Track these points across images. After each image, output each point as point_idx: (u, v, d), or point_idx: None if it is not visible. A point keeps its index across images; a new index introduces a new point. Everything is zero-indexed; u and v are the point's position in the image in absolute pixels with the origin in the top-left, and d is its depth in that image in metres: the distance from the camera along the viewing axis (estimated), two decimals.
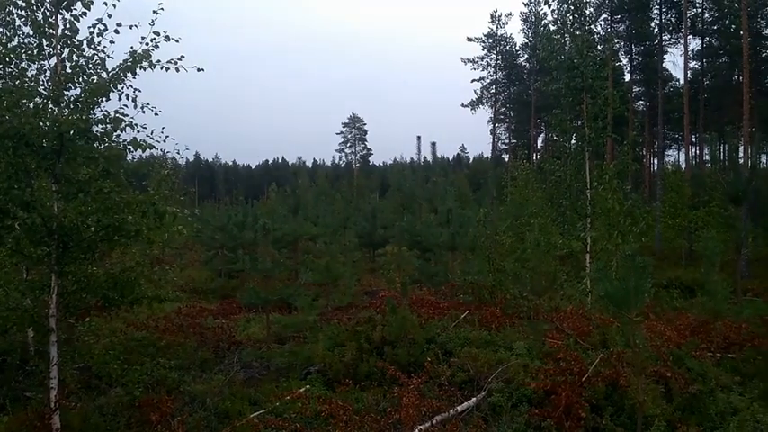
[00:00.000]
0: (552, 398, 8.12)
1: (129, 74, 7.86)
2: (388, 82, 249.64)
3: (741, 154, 28.58)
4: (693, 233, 29.50)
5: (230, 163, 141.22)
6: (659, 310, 13.42)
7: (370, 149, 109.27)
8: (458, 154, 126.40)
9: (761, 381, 9.11)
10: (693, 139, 53.50)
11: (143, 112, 7.89)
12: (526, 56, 66.88)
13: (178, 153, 8.40)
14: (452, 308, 13.43)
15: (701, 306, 12.61)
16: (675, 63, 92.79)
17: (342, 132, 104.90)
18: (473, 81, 67.49)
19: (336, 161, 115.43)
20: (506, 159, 73.35)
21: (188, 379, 10.48)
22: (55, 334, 7.53)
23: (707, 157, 49.01)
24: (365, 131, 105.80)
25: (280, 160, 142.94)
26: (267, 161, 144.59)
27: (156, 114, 7.91)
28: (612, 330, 10.68)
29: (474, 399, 8.76)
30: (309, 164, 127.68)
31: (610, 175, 14.90)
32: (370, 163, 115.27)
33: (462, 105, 68.20)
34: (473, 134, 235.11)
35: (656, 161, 57.89)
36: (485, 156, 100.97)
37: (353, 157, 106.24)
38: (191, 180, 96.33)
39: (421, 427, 7.72)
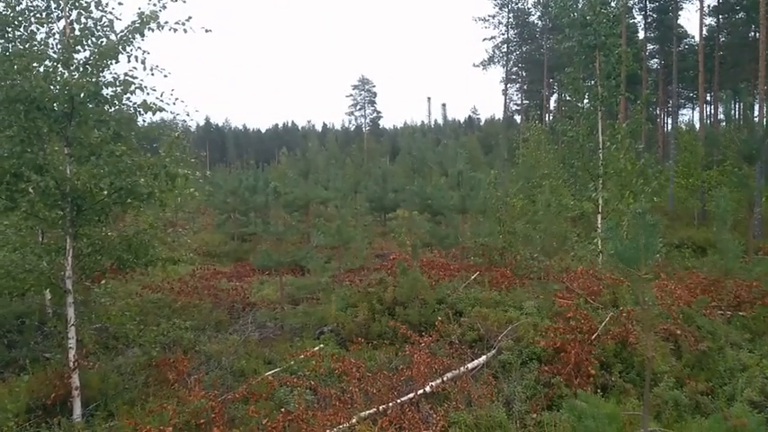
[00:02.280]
0: (562, 355, 8.21)
1: (138, 35, 7.85)
2: (398, 42, 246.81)
3: (756, 112, 28.20)
4: (707, 193, 29.29)
5: (240, 127, 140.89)
6: (670, 270, 13.44)
7: (380, 112, 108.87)
8: (469, 116, 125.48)
9: None
10: (708, 98, 52.73)
11: (152, 74, 7.89)
12: (538, 13, 65.67)
13: (188, 115, 8.40)
14: (463, 269, 13.51)
15: (712, 265, 12.59)
16: (690, 20, 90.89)
17: (351, 95, 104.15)
18: (484, 40, 66.57)
19: (346, 124, 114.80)
20: (518, 120, 72.75)
21: (203, 339, 10.68)
22: (72, 295, 7.67)
23: (721, 116, 48.39)
24: (375, 94, 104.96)
25: (290, 124, 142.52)
26: (277, 125, 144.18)
27: (165, 76, 7.90)
28: (623, 289, 10.73)
29: (484, 357, 8.88)
30: (319, 127, 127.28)
31: (622, 134, 14.74)
32: (381, 126, 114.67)
33: (474, 65, 67.89)
34: (485, 95, 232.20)
35: (669, 120, 57.24)
36: (496, 117, 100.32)
37: (363, 120, 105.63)
38: (201, 144, 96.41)
39: (432, 383, 7.85)
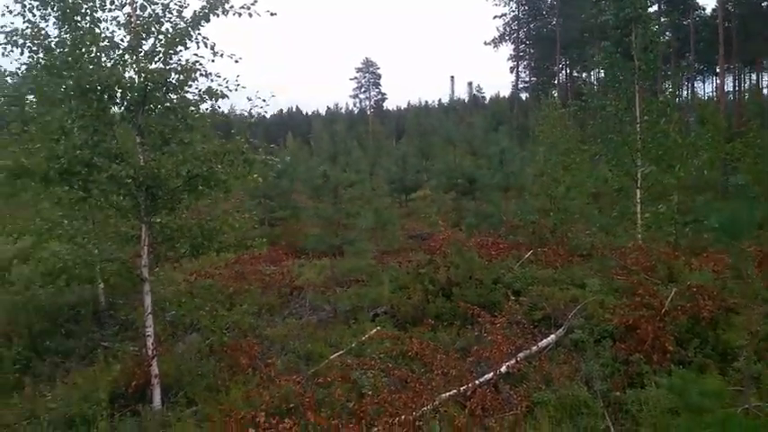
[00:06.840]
0: (636, 332, 8.16)
1: (204, 21, 7.74)
2: (401, 21, 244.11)
3: None
4: (729, 165, 29.11)
5: (245, 113, 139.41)
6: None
7: (384, 94, 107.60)
8: (474, 94, 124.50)
9: None
10: (726, 70, 52.17)
11: (221, 56, 7.78)
12: None
13: (264, 101, 8.33)
14: (513, 248, 13.42)
15: None
16: None
17: (355, 78, 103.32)
18: (495, 17, 66.28)
19: (350, 107, 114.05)
20: (524, 98, 72.34)
21: (261, 324, 10.66)
22: (148, 283, 7.65)
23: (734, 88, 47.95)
24: (379, 76, 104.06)
25: (294, 109, 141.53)
26: (282, 110, 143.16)
27: (236, 62, 7.75)
28: (679, 264, 10.67)
29: (554, 335, 8.86)
30: (323, 111, 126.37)
31: (671, 107, 14.59)
32: (384, 107, 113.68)
33: (485, 43, 67.26)
34: (487, 73, 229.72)
35: (685, 93, 56.77)
36: (501, 95, 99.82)
37: (368, 102, 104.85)
38: None
39: (508, 363, 7.83)
